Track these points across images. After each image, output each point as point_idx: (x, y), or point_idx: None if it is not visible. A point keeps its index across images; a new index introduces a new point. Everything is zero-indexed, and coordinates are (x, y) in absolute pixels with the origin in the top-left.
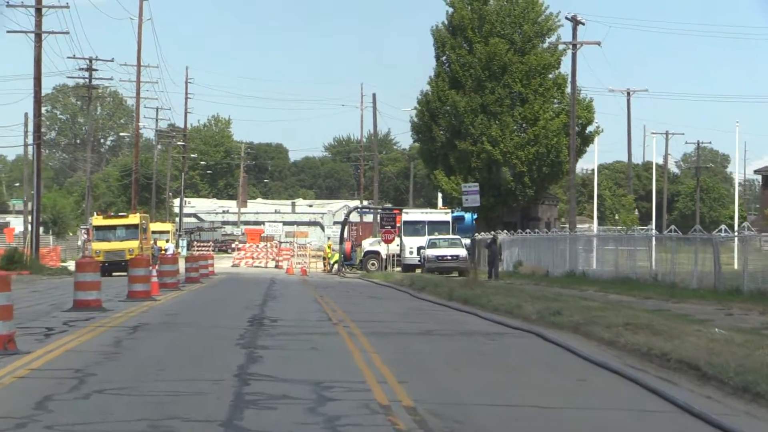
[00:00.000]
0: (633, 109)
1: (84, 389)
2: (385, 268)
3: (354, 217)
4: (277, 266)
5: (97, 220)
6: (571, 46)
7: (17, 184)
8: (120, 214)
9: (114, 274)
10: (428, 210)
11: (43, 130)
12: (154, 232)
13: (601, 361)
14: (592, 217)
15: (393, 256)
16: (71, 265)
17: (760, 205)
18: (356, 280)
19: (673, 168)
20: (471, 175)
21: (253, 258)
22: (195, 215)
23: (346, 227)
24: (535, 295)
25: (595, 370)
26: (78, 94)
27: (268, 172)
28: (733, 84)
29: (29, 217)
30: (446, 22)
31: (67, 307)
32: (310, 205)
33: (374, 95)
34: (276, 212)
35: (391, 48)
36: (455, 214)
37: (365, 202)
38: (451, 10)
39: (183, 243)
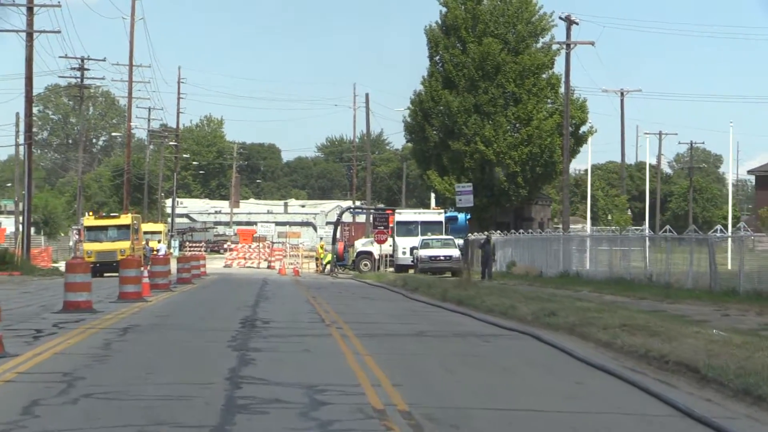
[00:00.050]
0: (626, 109)
1: (72, 393)
2: (378, 268)
3: (347, 218)
4: (269, 267)
5: (89, 221)
6: (564, 46)
7: (9, 185)
8: (111, 214)
9: (105, 274)
10: (421, 210)
11: (34, 130)
12: (146, 233)
13: (598, 363)
14: (584, 218)
15: (386, 256)
16: (63, 265)
17: (753, 206)
18: (349, 281)
19: (665, 168)
20: (464, 175)
21: (245, 258)
22: (187, 215)
23: (339, 227)
24: (530, 295)
25: (592, 372)
26: (70, 94)
27: (261, 172)
28: (726, 84)
29: (20, 218)
30: (440, 22)
31: (58, 308)
32: (303, 206)
33: (367, 95)
34: (268, 212)
35: (384, 48)
36: (448, 214)
37: (358, 203)
38: (444, 9)
39: (175, 243)
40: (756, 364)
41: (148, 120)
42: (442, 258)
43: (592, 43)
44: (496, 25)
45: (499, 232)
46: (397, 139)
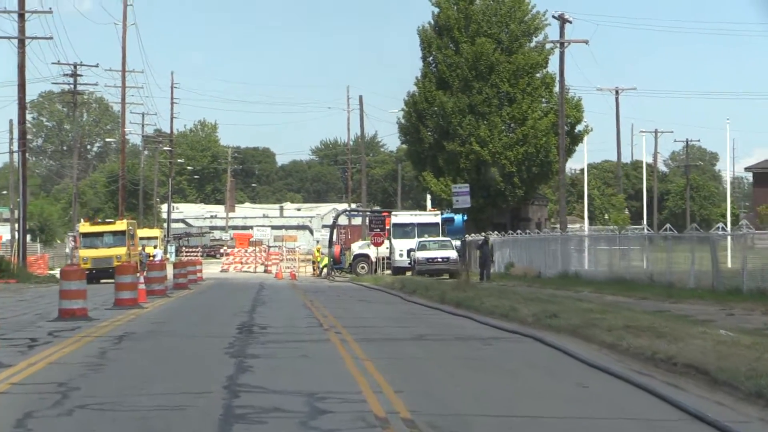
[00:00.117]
0: (621, 107)
1: (67, 404)
2: (375, 271)
3: (342, 220)
4: (266, 271)
5: (84, 227)
6: (558, 45)
7: (4, 192)
8: (107, 220)
9: (102, 281)
10: (417, 212)
11: (29, 137)
12: (142, 238)
13: (603, 366)
14: (581, 217)
15: (383, 259)
16: (59, 272)
17: (750, 203)
18: (346, 284)
19: (661, 167)
20: (460, 176)
21: (242, 263)
22: (183, 221)
23: (335, 230)
24: (530, 297)
25: (597, 375)
26: (63, 101)
27: (256, 176)
28: (721, 81)
29: (16, 225)
30: (432, 23)
31: (53, 316)
32: (299, 209)
33: (361, 97)
34: (264, 216)
35: (377, 50)
36: (445, 215)
37: (353, 205)
38: (437, 10)
39: (171, 249)
40: (767, 366)
41: (142, 125)
42: (439, 260)
43: (586, 42)
44: (489, 24)
45: (496, 233)
46: (391, 141)
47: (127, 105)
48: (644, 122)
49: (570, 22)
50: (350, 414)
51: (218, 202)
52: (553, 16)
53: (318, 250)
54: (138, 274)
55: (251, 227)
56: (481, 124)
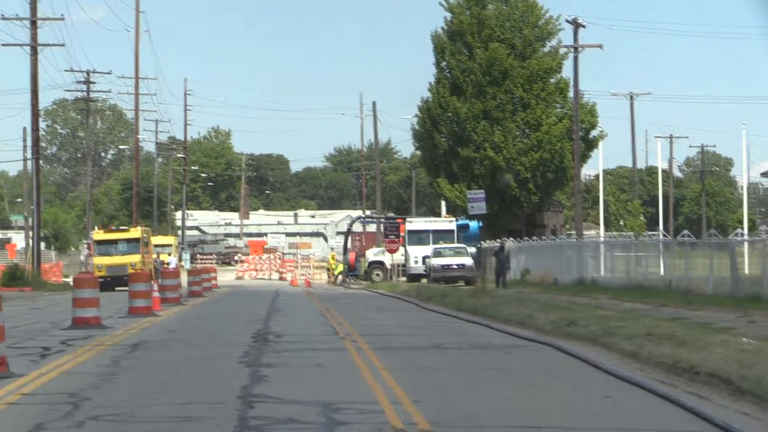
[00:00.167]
0: (636, 112)
1: (78, 416)
2: (390, 278)
3: (357, 227)
4: (281, 278)
5: (98, 235)
6: (572, 50)
7: (19, 200)
8: (121, 228)
9: (116, 288)
10: (432, 219)
11: (43, 144)
12: (156, 246)
13: (625, 376)
14: (596, 224)
15: (398, 265)
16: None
17: (766, 208)
18: (361, 291)
19: (676, 172)
20: (474, 182)
21: (256, 270)
22: (197, 228)
23: (350, 237)
24: (547, 304)
25: (620, 385)
26: (77, 108)
27: (270, 183)
28: (737, 86)
29: (30, 233)
30: (445, 28)
31: (66, 324)
32: (313, 216)
33: (374, 103)
34: (278, 224)
35: (391, 55)
36: (459, 222)
37: (368, 212)
38: (449, 15)
39: (186, 256)
40: None
41: (156, 132)
42: (455, 267)
43: (600, 46)
44: (502, 29)
45: (511, 239)
46: (405, 147)
47: (140, 112)
48: (658, 127)
49: (584, 27)
50: (367, 425)
51: (232, 209)
52: (567, 21)
53: (333, 257)
54: (152, 282)
55: (266, 234)
56: (496, 130)
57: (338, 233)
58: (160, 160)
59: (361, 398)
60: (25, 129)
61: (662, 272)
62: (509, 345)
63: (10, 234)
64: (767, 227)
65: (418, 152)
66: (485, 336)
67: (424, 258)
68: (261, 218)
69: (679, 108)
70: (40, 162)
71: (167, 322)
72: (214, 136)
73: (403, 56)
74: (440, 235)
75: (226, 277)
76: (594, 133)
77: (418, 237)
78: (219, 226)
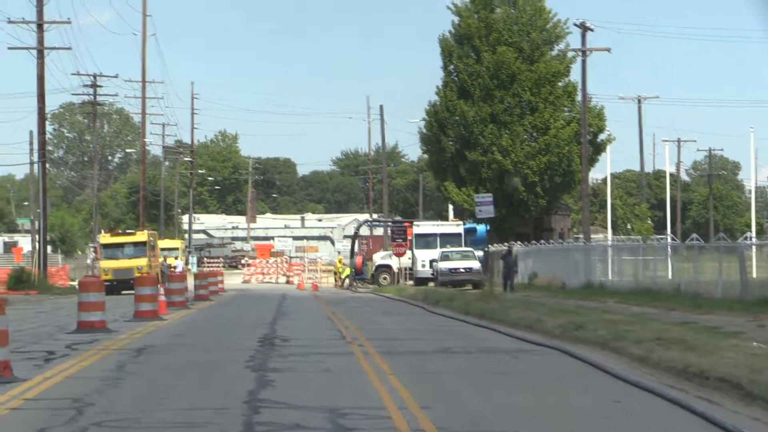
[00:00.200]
0: (643, 116)
1: (81, 421)
2: (398, 281)
3: (364, 231)
4: (288, 282)
5: (105, 238)
6: (580, 53)
7: (26, 204)
8: (128, 231)
9: (123, 292)
10: (439, 222)
11: (50, 148)
12: (163, 249)
13: (634, 380)
14: (604, 227)
15: (405, 269)
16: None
17: None
18: (368, 295)
19: (683, 176)
20: (482, 185)
21: (263, 274)
22: (204, 231)
23: (357, 241)
24: (555, 308)
25: (629, 389)
26: (84, 112)
27: (277, 186)
28: (744, 90)
29: (37, 236)
30: (453, 31)
31: (72, 328)
32: (320, 220)
33: (381, 107)
34: (285, 227)
35: (397, 59)
36: (467, 226)
37: (375, 216)
38: (457, 19)
39: (193, 260)
40: None
41: (163, 136)
42: (462, 270)
43: (608, 50)
44: (510, 33)
45: (519, 243)
46: (412, 151)
47: (147, 116)
48: (665, 131)
49: (592, 30)
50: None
51: (239, 212)
52: (575, 24)
53: (340, 261)
54: (158, 286)
55: (272, 238)
56: (503, 134)
57: (345, 237)
58: (167, 163)
59: (368, 403)
60: (31, 132)
61: (670, 276)
62: (517, 349)
63: (17, 237)
64: None
65: (426, 156)
66: (493, 340)
67: (432, 262)
68: (268, 222)
69: (687, 111)
70: (47, 165)
71: (173, 326)
72: (221, 140)
73: (409, 59)
74: (447, 238)
75: (232, 280)
76: (602, 136)
77: (426, 241)
78: (226, 229)
